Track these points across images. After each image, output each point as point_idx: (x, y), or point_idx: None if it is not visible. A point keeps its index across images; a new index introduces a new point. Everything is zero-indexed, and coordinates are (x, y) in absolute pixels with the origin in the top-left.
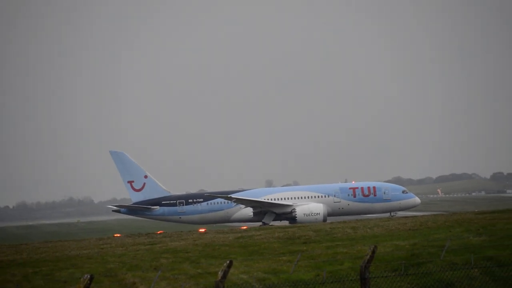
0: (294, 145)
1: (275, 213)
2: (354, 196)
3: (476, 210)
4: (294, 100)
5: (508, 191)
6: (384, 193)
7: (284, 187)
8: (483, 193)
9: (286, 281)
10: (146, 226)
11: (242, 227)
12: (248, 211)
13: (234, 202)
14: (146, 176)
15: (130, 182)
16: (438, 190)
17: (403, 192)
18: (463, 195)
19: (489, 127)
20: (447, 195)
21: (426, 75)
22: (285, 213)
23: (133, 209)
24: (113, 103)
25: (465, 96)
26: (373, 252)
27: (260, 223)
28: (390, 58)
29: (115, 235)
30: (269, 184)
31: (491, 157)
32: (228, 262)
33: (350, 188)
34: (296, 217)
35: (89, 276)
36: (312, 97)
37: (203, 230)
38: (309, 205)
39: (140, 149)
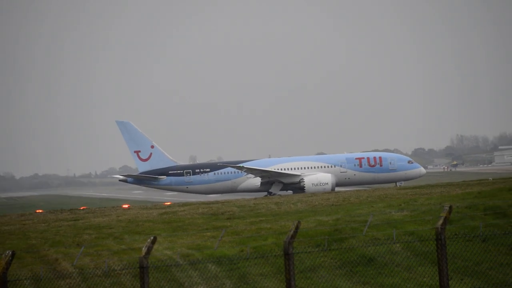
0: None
1: (282, 183)
2: (360, 166)
3: (398, 186)
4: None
5: (429, 166)
6: (390, 163)
7: (291, 157)
8: None
9: (210, 257)
10: (70, 203)
11: (165, 203)
12: (255, 181)
13: (245, 171)
14: (152, 146)
15: (137, 152)
16: None
17: (408, 162)
18: None
19: (411, 104)
20: None
21: (340, 49)
22: (293, 183)
23: (140, 179)
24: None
25: (389, 74)
26: (297, 227)
27: (265, 193)
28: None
29: (37, 211)
30: (193, 159)
31: (412, 134)
32: (152, 238)
33: (356, 158)
34: (304, 187)
35: (10, 253)
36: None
37: (126, 206)
38: (317, 175)
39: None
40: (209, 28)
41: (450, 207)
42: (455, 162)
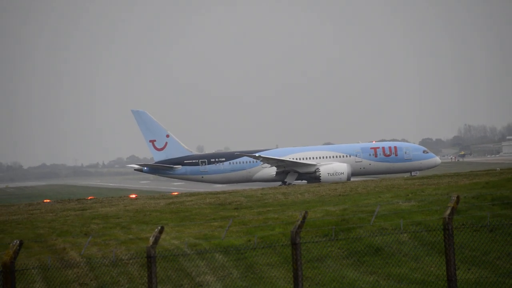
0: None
1: (298, 172)
2: (376, 156)
3: (406, 176)
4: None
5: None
6: (405, 152)
7: (306, 147)
8: None
9: (217, 247)
10: (77, 192)
11: (173, 193)
12: (271, 171)
13: (261, 161)
14: (168, 135)
15: (152, 141)
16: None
17: (423, 152)
18: None
19: (418, 94)
20: None
21: (355, 44)
22: (308, 173)
23: (155, 168)
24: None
25: (397, 63)
26: (304, 217)
27: (280, 183)
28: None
29: (45, 200)
30: (200, 149)
31: (420, 123)
32: (159, 227)
33: (371, 148)
34: (320, 176)
35: (18, 242)
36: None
37: (134, 196)
38: (333, 165)
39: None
40: (214, 22)
41: (458, 197)
42: (462, 152)
